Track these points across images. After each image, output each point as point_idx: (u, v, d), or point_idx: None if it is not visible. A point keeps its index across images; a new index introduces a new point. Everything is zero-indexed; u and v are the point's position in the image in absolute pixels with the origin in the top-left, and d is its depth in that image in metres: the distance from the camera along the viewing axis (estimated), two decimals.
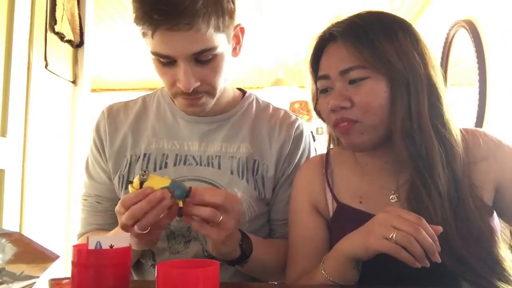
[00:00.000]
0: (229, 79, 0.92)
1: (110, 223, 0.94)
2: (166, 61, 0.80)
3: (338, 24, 0.81)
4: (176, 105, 0.94)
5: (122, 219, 0.68)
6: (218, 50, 0.80)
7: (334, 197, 0.85)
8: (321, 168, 0.89)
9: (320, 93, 0.82)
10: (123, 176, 0.93)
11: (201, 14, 0.74)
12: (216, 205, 0.70)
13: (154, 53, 0.80)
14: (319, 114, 0.86)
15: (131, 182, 0.70)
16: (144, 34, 0.79)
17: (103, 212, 0.97)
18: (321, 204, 0.86)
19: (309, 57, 0.84)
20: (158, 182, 0.69)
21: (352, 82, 0.76)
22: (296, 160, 0.96)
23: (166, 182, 0.69)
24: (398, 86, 0.75)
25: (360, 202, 0.82)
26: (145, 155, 0.93)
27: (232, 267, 0.85)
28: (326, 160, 0.90)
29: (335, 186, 0.86)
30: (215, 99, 0.88)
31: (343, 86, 0.77)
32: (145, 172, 0.69)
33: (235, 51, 0.89)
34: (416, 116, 0.74)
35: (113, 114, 0.98)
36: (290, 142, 0.95)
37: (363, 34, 0.76)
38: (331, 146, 0.94)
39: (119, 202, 0.71)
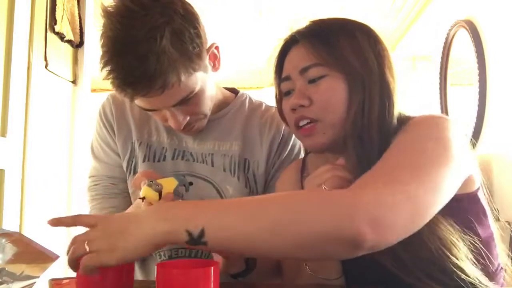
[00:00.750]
0: (214, 90, 0.94)
1: (124, 208, 0.95)
2: (150, 110, 0.86)
3: (300, 28, 0.82)
4: None
5: None
6: (197, 89, 0.83)
7: None
8: (298, 172, 0.91)
9: (284, 96, 0.83)
10: (132, 161, 0.97)
11: (169, 73, 0.75)
12: None
13: (137, 105, 0.85)
14: (284, 119, 0.86)
15: (143, 198, 0.70)
16: None
17: (118, 194, 0.99)
18: None
19: (274, 62, 0.86)
20: (169, 184, 0.69)
21: (311, 81, 0.77)
22: (285, 155, 0.98)
23: (174, 182, 0.70)
24: (354, 83, 0.75)
25: None
26: (147, 144, 0.97)
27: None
28: (302, 164, 0.92)
29: None
30: (207, 118, 0.93)
31: (303, 85, 0.78)
32: (152, 182, 0.69)
33: (214, 67, 0.91)
34: (367, 113, 0.73)
35: (118, 100, 1.01)
36: (280, 138, 0.98)
37: (321, 34, 0.78)
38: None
39: None
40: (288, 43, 0.82)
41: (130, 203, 0.90)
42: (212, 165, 0.94)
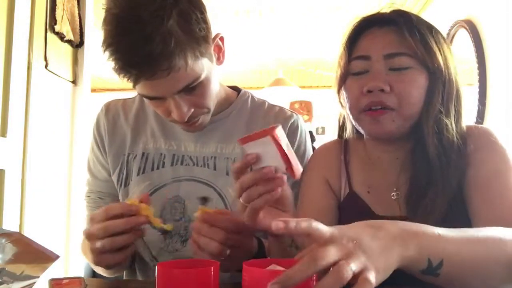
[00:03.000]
0: (218, 85, 0.92)
1: None
2: (154, 99, 0.82)
3: (386, 12, 0.82)
4: None
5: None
6: (202, 77, 0.80)
7: (349, 183, 0.86)
8: (339, 153, 0.90)
9: (352, 75, 0.81)
10: (123, 173, 0.94)
11: (176, 55, 0.73)
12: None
13: (140, 94, 0.82)
14: (339, 100, 0.86)
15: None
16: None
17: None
18: (335, 186, 0.87)
19: (347, 36, 0.84)
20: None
21: (394, 69, 0.77)
22: None
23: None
24: (436, 81, 0.77)
25: (368, 192, 0.84)
26: (143, 154, 0.94)
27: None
28: (344, 147, 0.91)
29: (350, 174, 0.87)
30: (211, 113, 0.90)
31: (383, 70, 0.77)
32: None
33: (219, 60, 0.88)
34: (445, 113, 0.77)
35: (111, 110, 0.99)
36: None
37: (414, 25, 0.78)
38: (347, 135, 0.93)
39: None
40: (368, 23, 0.82)
41: None
42: (214, 169, 0.92)
